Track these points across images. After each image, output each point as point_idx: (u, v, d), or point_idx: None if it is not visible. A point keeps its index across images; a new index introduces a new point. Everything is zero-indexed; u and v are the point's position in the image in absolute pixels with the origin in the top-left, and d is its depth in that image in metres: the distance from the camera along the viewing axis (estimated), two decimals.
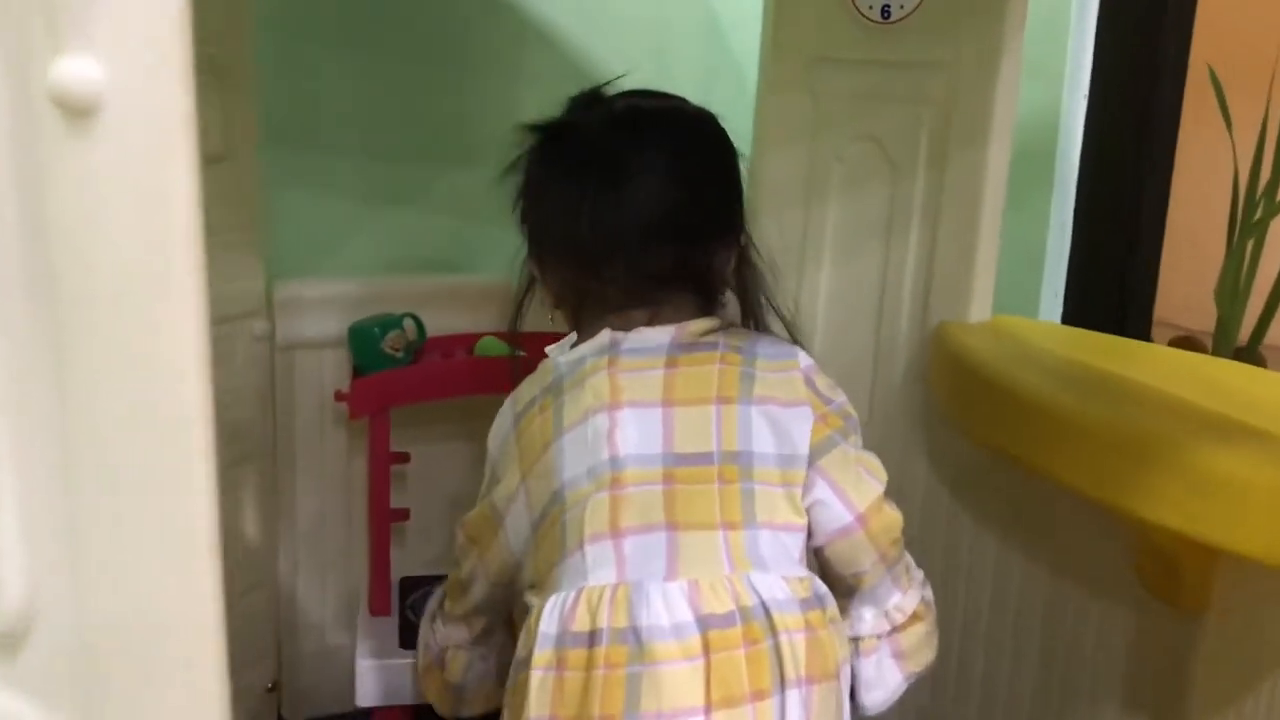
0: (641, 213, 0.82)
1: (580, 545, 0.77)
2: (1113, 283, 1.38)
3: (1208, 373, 1.08)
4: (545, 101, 1.33)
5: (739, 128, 1.31)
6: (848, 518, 0.82)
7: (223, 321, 1.13)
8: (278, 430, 1.20)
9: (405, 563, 1.22)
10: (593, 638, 0.74)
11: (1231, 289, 1.37)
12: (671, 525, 0.77)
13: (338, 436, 1.22)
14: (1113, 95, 1.33)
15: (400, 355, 1.15)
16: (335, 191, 1.27)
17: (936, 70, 1.13)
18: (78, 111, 0.31)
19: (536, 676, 0.75)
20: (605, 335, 0.83)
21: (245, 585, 1.19)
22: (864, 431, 1.22)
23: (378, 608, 1.16)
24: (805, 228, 1.24)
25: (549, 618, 0.76)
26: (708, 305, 0.86)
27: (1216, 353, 1.42)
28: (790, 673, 0.74)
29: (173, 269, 0.32)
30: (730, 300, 0.90)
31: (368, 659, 1.09)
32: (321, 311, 1.19)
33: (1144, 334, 1.40)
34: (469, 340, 1.21)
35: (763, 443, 0.80)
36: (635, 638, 0.73)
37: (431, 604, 0.96)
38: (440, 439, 1.24)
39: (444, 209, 1.32)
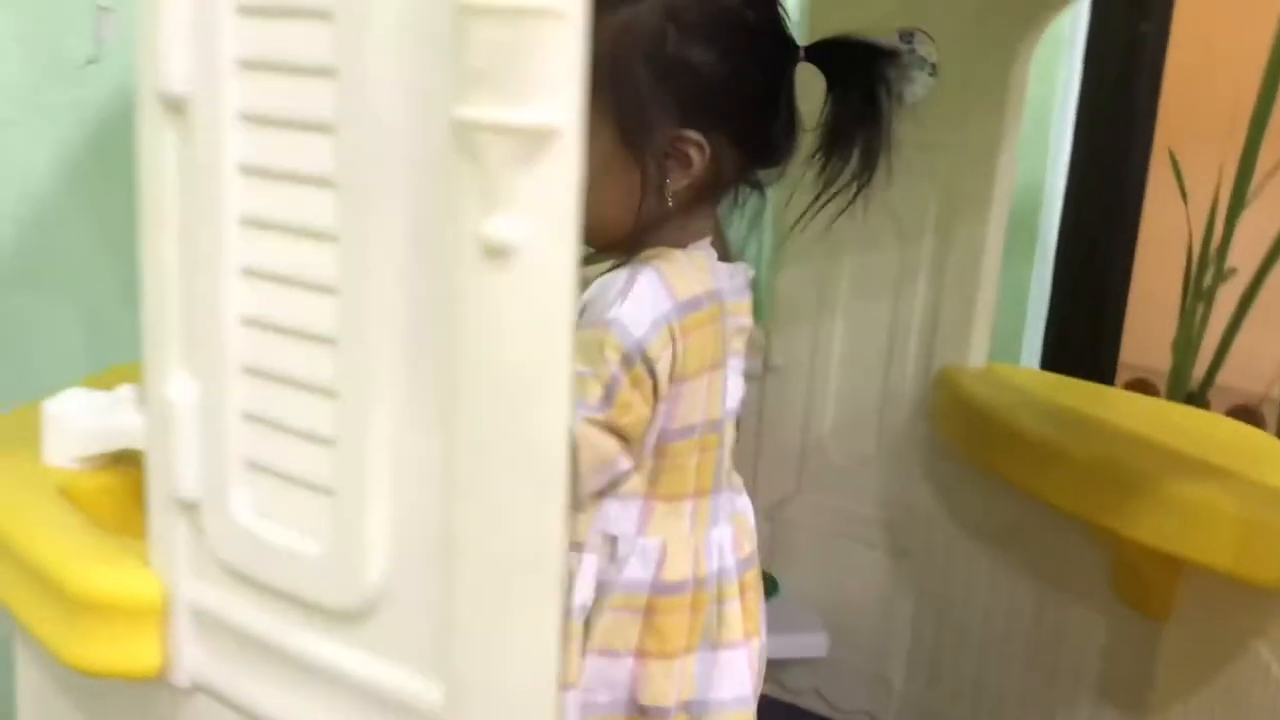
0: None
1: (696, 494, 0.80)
2: (1084, 334, 1.58)
3: (1169, 416, 1.26)
4: None
5: None
6: None
7: None
8: None
9: None
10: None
11: (1184, 343, 1.57)
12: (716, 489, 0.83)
13: None
14: (1088, 174, 1.54)
15: None
16: None
17: (944, 151, 1.31)
18: (495, 253, 0.44)
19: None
20: (717, 262, 0.81)
21: None
22: (871, 462, 1.39)
23: None
24: (822, 282, 1.40)
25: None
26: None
27: (1171, 396, 1.62)
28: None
29: (554, 373, 0.46)
30: None
31: None
32: None
33: (1110, 377, 1.60)
34: None
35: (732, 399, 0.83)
36: (715, 582, 0.83)
37: None
38: None
39: None
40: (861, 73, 0.82)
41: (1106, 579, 1.18)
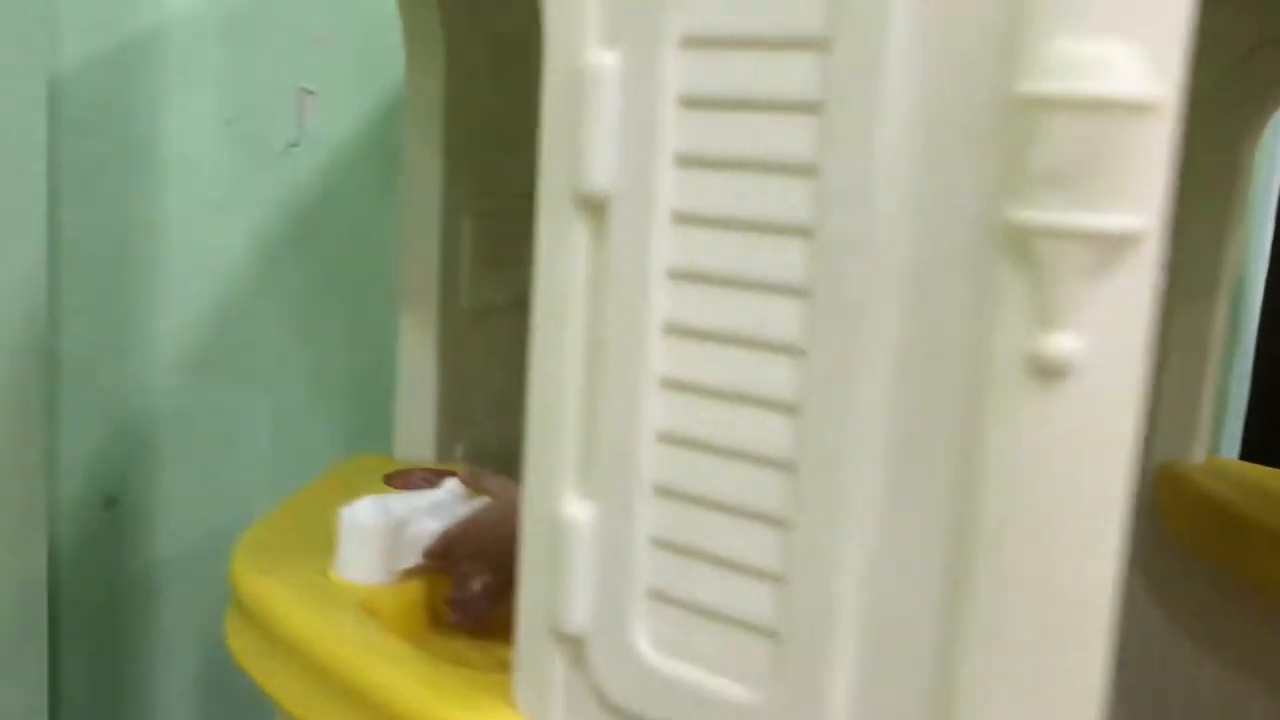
0: None
1: None
2: None
3: None
4: None
5: None
6: None
7: None
8: None
9: None
10: None
11: None
12: None
13: None
14: None
15: None
16: None
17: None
18: (1049, 373, 0.39)
19: None
20: None
21: None
22: None
23: None
24: None
25: None
26: None
27: None
28: None
29: (1109, 510, 0.40)
30: None
31: None
32: None
33: None
34: None
35: None
36: None
37: None
38: None
39: None
40: None
41: None
